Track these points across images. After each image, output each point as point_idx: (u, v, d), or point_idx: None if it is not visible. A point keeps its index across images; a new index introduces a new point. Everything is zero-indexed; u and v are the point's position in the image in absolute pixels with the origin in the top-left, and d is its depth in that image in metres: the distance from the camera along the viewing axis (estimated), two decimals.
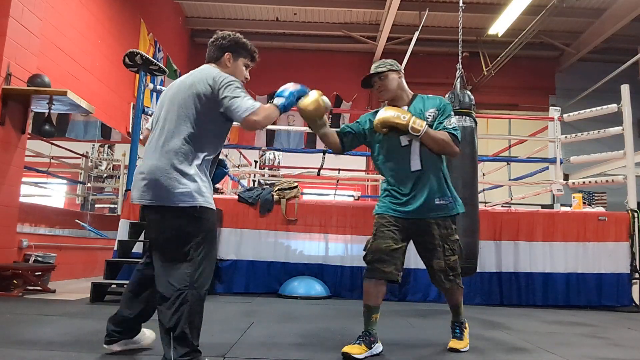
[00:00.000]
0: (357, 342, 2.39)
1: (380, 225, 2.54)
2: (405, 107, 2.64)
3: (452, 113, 2.64)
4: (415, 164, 2.57)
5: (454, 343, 2.60)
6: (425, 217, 2.55)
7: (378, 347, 2.45)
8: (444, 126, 2.54)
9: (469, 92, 3.95)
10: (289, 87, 2.21)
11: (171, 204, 1.97)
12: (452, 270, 2.57)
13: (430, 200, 2.54)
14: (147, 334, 2.34)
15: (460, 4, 4.52)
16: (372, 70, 2.66)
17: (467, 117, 3.86)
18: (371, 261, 2.48)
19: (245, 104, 1.99)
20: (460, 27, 4.54)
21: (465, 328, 2.70)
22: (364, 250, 2.56)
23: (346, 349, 2.32)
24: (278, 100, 2.13)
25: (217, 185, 7.10)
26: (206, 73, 2.12)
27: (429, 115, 2.59)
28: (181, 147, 2.01)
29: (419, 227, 2.56)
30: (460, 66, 4.17)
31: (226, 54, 2.22)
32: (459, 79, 4.03)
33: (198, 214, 1.99)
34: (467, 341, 2.65)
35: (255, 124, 2.01)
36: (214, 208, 2.08)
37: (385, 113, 2.51)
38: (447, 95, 3.93)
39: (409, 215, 2.54)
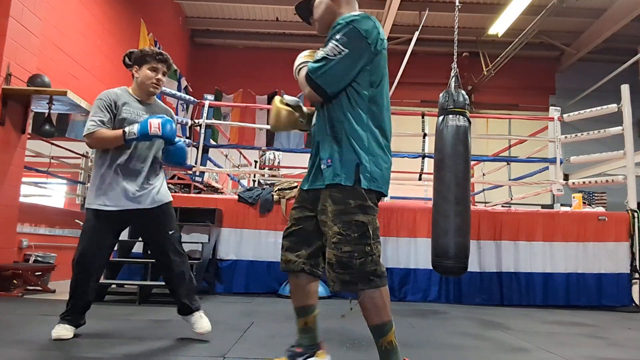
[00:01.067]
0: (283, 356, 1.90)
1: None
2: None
3: (340, 36, 1.74)
4: (315, 117, 1.95)
5: None
6: (314, 187, 1.86)
7: None
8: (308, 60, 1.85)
9: (463, 92, 3.94)
10: (151, 122, 2.42)
11: None
12: (342, 267, 1.68)
13: (318, 164, 1.85)
14: (204, 323, 2.56)
15: (457, 3, 4.52)
16: None
17: (461, 117, 3.85)
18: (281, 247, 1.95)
19: (86, 124, 2.45)
20: (456, 27, 4.53)
21: None
22: None
23: None
24: (131, 129, 2.42)
25: (217, 185, 7.09)
26: None
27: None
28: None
29: (316, 202, 1.85)
30: (455, 65, 4.16)
31: (133, 68, 2.62)
32: (453, 78, 4.02)
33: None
34: None
35: (88, 144, 2.52)
36: (95, 208, 2.48)
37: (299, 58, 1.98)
38: (441, 95, 3.92)
39: (306, 184, 1.93)
